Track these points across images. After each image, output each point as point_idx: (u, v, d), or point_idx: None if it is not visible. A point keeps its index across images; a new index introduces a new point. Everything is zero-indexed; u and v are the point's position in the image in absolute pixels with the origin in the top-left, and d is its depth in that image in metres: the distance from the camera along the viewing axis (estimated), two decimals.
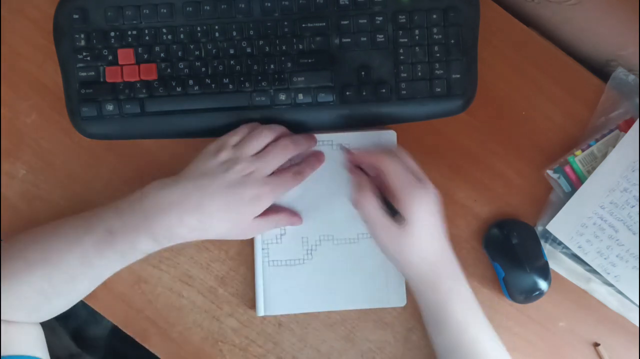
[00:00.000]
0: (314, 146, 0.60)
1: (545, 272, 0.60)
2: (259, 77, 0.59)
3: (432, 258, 0.55)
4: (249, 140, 0.56)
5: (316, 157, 0.60)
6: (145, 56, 0.59)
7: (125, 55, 0.59)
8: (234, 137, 0.56)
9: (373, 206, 0.55)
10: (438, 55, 0.59)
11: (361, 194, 0.55)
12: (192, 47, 0.59)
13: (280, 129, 0.58)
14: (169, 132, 0.60)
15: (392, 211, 0.55)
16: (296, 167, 0.57)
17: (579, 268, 0.62)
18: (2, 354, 0.51)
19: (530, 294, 0.60)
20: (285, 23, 0.59)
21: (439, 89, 0.60)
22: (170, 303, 0.62)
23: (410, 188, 0.53)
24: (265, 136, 0.56)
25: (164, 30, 0.59)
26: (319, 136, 0.61)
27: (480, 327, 0.55)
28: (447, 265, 0.55)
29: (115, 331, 0.89)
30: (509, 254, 0.60)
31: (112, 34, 0.59)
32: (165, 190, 0.53)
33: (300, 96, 0.59)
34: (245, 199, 0.54)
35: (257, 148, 0.56)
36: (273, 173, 0.56)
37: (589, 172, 0.61)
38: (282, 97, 0.59)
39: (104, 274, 0.56)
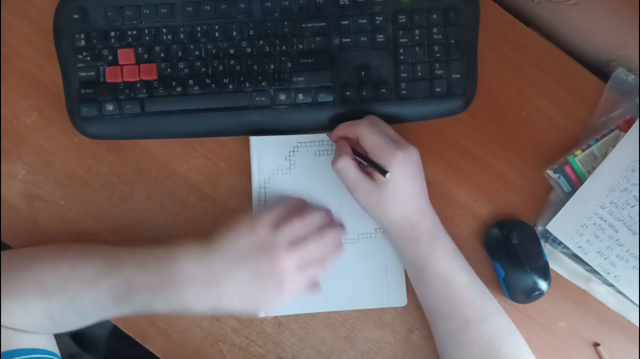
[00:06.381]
0: (343, 232, 0.61)
1: (545, 272, 0.60)
2: (259, 77, 0.59)
3: (412, 219, 0.56)
4: (289, 226, 0.55)
5: (338, 247, 0.59)
6: (145, 56, 0.59)
7: (125, 55, 0.59)
8: (273, 214, 0.56)
9: (349, 166, 0.55)
10: (438, 55, 0.59)
11: (338, 158, 0.56)
12: (192, 47, 0.59)
13: (322, 217, 0.58)
14: (169, 132, 0.60)
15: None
16: (321, 258, 0.57)
17: (579, 268, 0.62)
18: (14, 346, 0.52)
19: (530, 294, 0.60)
20: (285, 23, 0.59)
21: (439, 89, 0.60)
22: None
23: (384, 149, 0.54)
24: (308, 223, 0.56)
25: (164, 30, 0.59)
26: (318, 136, 0.61)
27: (463, 278, 0.56)
28: (427, 226, 0.56)
29: (115, 331, 0.89)
30: (509, 254, 0.60)
31: (112, 34, 0.59)
32: (193, 262, 0.53)
33: (300, 96, 0.59)
34: (268, 291, 0.54)
35: (294, 236, 0.55)
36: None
37: (589, 172, 0.61)
38: (282, 97, 0.59)
39: (113, 316, 0.56)
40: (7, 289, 0.53)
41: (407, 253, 0.57)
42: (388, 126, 0.58)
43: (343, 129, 0.58)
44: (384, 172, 0.53)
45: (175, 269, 0.53)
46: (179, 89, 0.59)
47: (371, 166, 0.55)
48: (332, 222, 0.60)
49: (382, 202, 0.55)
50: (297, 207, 0.60)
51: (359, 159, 0.57)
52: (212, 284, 0.53)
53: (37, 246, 0.59)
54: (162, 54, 0.59)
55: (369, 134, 0.55)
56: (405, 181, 0.55)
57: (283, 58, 0.59)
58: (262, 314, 0.56)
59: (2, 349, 0.51)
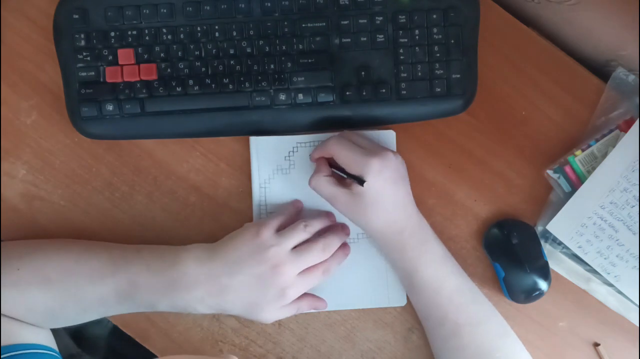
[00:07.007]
0: (347, 238, 0.61)
1: (545, 272, 0.60)
2: (259, 77, 0.59)
3: (396, 226, 0.56)
4: (293, 233, 0.55)
5: (343, 252, 0.60)
6: (145, 56, 0.59)
7: (125, 55, 0.59)
8: (277, 220, 0.56)
9: (321, 182, 0.56)
10: (438, 55, 0.59)
11: (311, 176, 0.57)
12: (192, 47, 0.59)
13: (325, 222, 0.59)
14: (169, 132, 0.60)
15: None
16: (325, 265, 0.57)
17: (579, 268, 0.62)
18: (14, 341, 0.52)
19: (530, 294, 0.60)
20: (285, 23, 0.59)
21: (439, 89, 0.60)
22: None
23: (357, 160, 0.54)
24: (312, 230, 0.57)
25: (164, 30, 0.59)
26: (318, 136, 0.61)
27: (453, 283, 0.56)
28: (413, 232, 0.56)
29: (115, 331, 0.89)
30: (509, 254, 0.60)
31: (112, 34, 0.59)
32: (198, 265, 0.54)
33: (300, 96, 0.59)
34: (269, 296, 0.54)
35: (298, 242, 0.56)
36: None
37: (589, 172, 0.61)
38: (282, 97, 0.59)
39: (115, 313, 0.57)
40: (8, 278, 0.53)
41: (395, 261, 0.58)
42: (362, 136, 0.58)
43: (317, 151, 0.58)
44: (361, 181, 0.53)
45: (179, 272, 0.53)
46: (179, 89, 0.59)
47: (350, 178, 0.55)
48: (335, 228, 0.60)
49: (362, 211, 0.55)
50: (299, 212, 0.60)
51: (339, 173, 0.57)
52: (214, 288, 0.53)
53: (41, 239, 0.60)
54: (162, 54, 0.59)
55: (340, 149, 0.55)
56: (383, 188, 0.54)
57: (283, 58, 0.59)
58: (266, 321, 0.56)
59: (2, 343, 0.51)
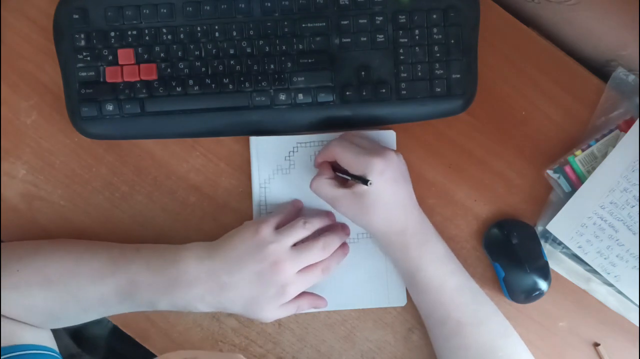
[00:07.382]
0: (347, 237, 0.61)
1: (545, 272, 0.60)
2: (259, 77, 0.59)
3: (397, 226, 0.56)
4: (292, 230, 0.55)
5: (342, 251, 0.60)
6: (145, 56, 0.59)
7: (125, 55, 0.59)
8: (277, 219, 0.56)
9: (321, 185, 0.56)
10: (438, 55, 0.59)
11: (314, 178, 0.57)
12: (192, 47, 0.59)
13: (325, 221, 0.59)
14: (169, 132, 0.60)
15: None
16: (324, 263, 0.57)
17: (579, 268, 0.62)
18: (15, 342, 0.52)
19: (530, 294, 0.60)
20: (285, 23, 0.59)
21: (439, 89, 0.60)
22: None
23: (358, 161, 0.54)
24: (311, 228, 0.56)
25: (164, 30, 0.59)
26: (318, 136, 0.61)
27: (455, 282, 0.56)
28: (415, 231, 0.56)
29: (115, 330, 0.89)
30: (509, 254, 0.60)
31: (112, 34, 0.59)
32: (198, 264, 0.54)
33: (300, 96, 0.59)
34: (269, 294, 0.54)
35: (297, 239, 0.56)
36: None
37: (589, 172, 0.61)
38: (282, 97, 0.59)
39: (115, 312, 0.57)
40: (8, 279, 0.53)
41: (397, 260, 0.58)
42: (363, 137, 0.58)
43: (320, 156, 0.58)
44: (366, 181, 0.53)
45: (179, 270, 0.53)
46: (179, 89, 0.59)
47: (354, 179, 0.55)
48: (335, 227, 0.60)
49: (364, 211, 0.55)
50: (299, 210, 0.60)
51: (343, 176, 0.57)
52: (215, 286, 0.53)
53: (41, 240, 0.60)
54: (162, 54, 0.59)
55: (342, 151, 0.55)
56: (385, 188, 0.54)
57: (283, 58, 0.59)
58: (266, 320, 0.56)
59: (3, 344, 0.51)
